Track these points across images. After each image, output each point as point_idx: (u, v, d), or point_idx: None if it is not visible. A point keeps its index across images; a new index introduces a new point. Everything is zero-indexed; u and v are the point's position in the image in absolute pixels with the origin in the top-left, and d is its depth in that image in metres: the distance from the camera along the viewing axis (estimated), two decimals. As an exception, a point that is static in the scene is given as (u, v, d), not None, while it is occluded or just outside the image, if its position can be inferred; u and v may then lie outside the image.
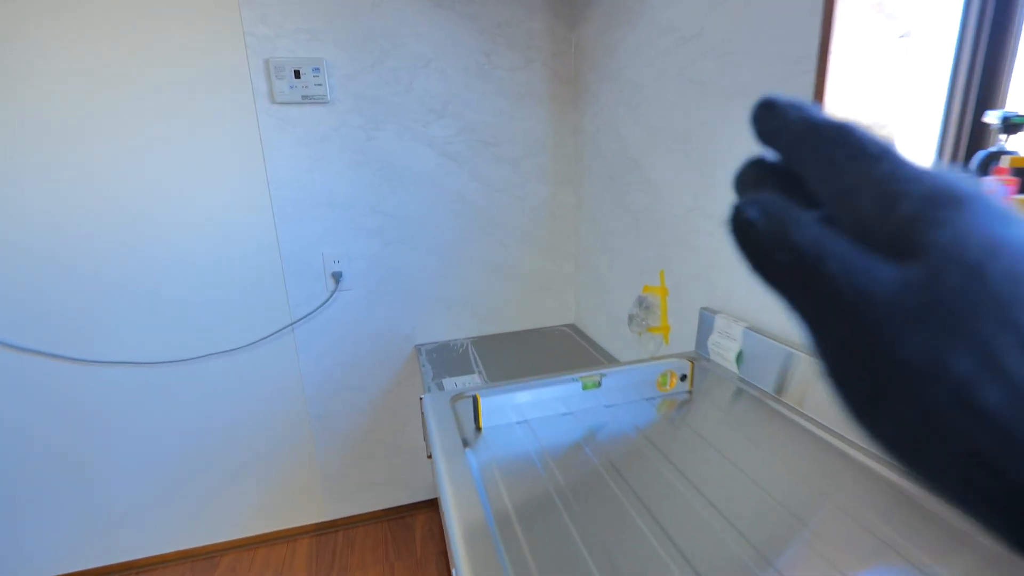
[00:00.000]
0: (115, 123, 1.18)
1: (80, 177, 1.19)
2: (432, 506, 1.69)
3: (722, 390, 0.87)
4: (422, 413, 0.93)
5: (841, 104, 0.74)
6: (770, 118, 0.16)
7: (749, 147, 0.86)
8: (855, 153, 0.14)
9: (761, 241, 0.14)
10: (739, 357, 0.89)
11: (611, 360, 1.38)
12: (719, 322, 0.93)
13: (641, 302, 1.18)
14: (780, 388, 0.82)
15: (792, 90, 0.76)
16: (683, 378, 0.85)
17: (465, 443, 0.75)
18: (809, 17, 0.72)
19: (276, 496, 1.54)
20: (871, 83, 0.75)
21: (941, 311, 0.11)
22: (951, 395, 0.11)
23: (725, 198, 0.94)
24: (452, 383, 1.28)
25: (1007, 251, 0.11)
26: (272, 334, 1.41)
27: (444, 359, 1.44)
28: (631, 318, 1.19)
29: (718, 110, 0.91)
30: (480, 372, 1.35)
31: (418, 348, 1.53)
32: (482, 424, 0.77)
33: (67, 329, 1.26)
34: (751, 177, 0.17)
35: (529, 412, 0.80)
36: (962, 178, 0.13)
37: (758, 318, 0.88)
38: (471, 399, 0.82)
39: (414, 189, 1.42)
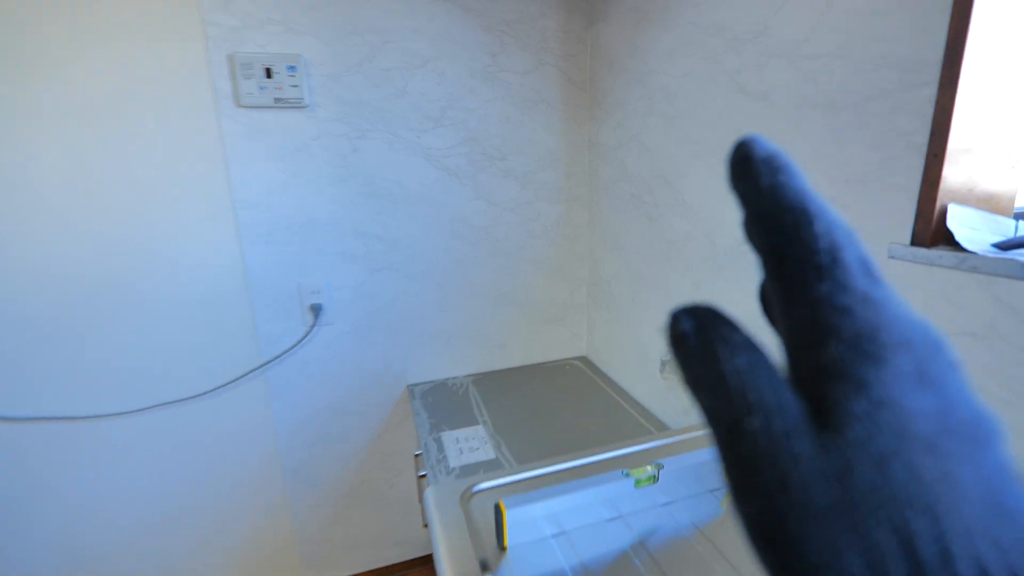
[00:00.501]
0: (49, 129, 0.97)
1: (3, 194, 0.98)
2: (427, 562, 1.49)
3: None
4: (421, 503, 0.75)
5: (970, 130, 0.57)
6: (742, 176, 0.15)
7: (825, 169, 0.69)
8: (803, 259, 0.14)
9: (690, 361, 0.14)
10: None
11: (634, 404, 1.21)
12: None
13: (676, 347, 1.01)
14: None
15: (902, 108, 0.59)
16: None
17: (484, 567, 0.57)
18: (933, 10, 0.56)
19: (246, 563, 1.32)
20: (1008, 100, 0.59)
21: (847, 510, 0.12)
22: None
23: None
24: (453, 439, 1.09)
25: (913, 438, 0.12)
26: (239, 378, 1.20)
27: (442, 403, 1.25)
28: (664, 364, 1.02)
29: (785, 127, 0.74)
30: (485, 422, 1.16)
31: (411, 389, 1.33)
32: (507, 543, 0.59)
33: (-17, 379, 1.04)
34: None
35: (568, 520, 0.62)
36: (895, 318, 0.13)
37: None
38: (491, 501, 0.64)
39: (407, 208, 1.23)
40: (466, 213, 1.28)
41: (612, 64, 1.17)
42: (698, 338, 0.14)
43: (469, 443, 1.07)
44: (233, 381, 1.20)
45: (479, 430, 1.12)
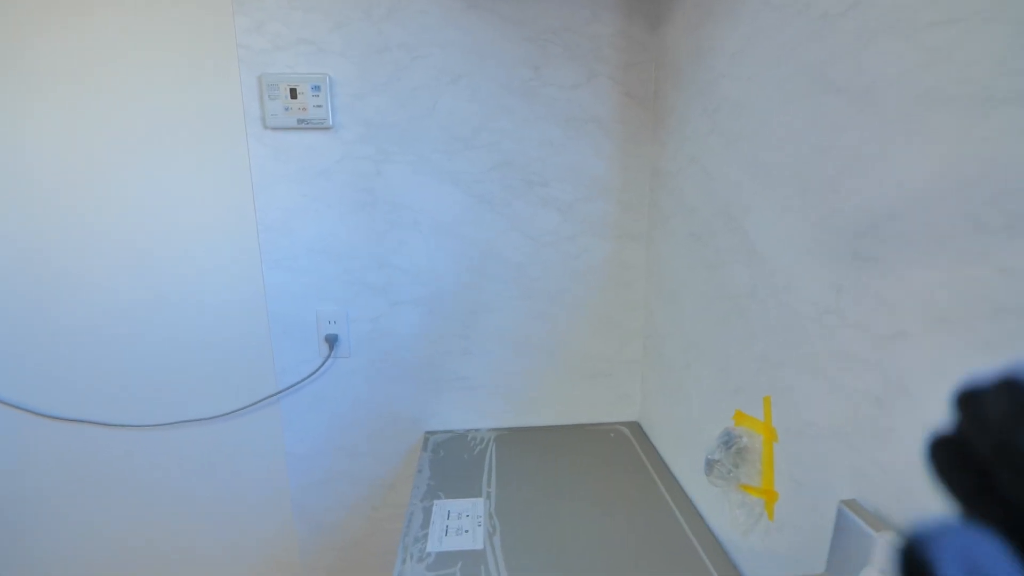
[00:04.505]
0: (85, 149, 1.03)
1: (38, 208, 1.05)
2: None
3: None
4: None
5: None
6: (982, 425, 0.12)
7: (967, 193, 0.42)
8: None
9: None
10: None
11: (684, 502, 0.93)
12: (888, 552, 0.47)
13: (728, 442, 0.74)
14: None
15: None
16: None
17: None
18: None
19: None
20: None
21: None
22: None
23: (900, 305, 0.49)
24: (444, 512, 0.92)
25: None
26: (254, 403, 1.16)
27: (451, 460, 1.09)
28: (711, 464, 0.75)
29: (896, 134, 0.48)
30: (489, 496, 0.97)
31: (427, 437, 1.19)
32: None
33: (16, 377, 1.11)
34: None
35: None
36: None
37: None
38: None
39: (433, 238, 1.11)
40: (498, 247, 1.13)
41: (677, 73, 0.95)
42: None
43: (460, 521, 0.89)
44: (249, 406, 1.16)
45: (478, 505, 0.94)
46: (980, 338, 0.42)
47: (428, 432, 1.21)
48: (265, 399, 1.16)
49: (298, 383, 1.16)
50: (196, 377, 1.15)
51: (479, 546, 0.83)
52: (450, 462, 1.09)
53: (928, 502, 0.46)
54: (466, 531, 0.87)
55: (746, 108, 0.71)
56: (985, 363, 0.41)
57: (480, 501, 0.95)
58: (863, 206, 0.52)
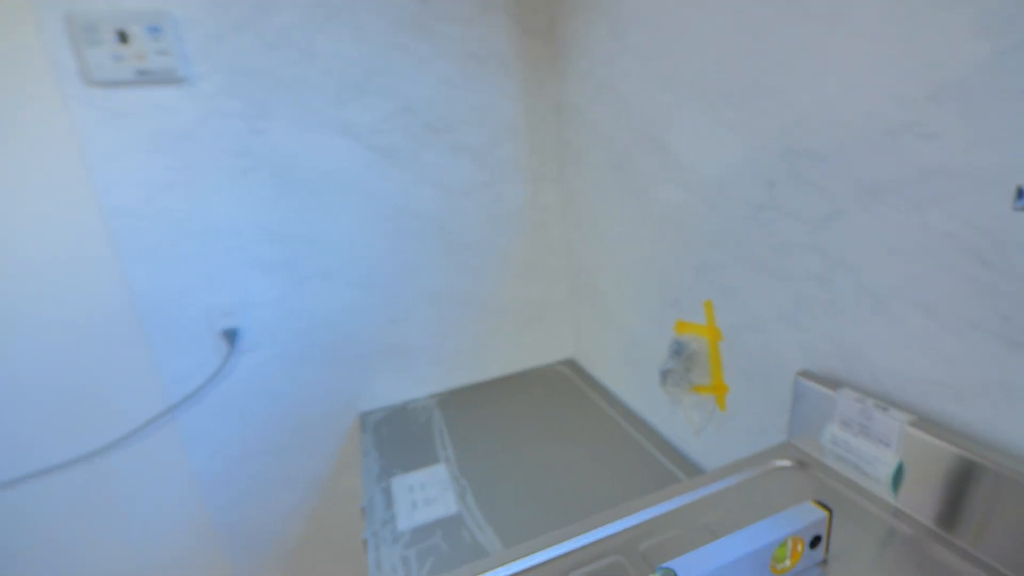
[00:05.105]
0: None
1: None
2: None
3: (867, 538, 0.47)
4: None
5: None
6: None
7: (888, 82, 0.46)
8: None
9: None
10: (897, 476, 0.49)
11: (634, 420, 0.98)
12: (847, 404, 0.54)
13: (679, 350, 0.78)
14: (948, 519, 0.43)
15: None
16: (815, 542, 0.45)
17: None
18: None
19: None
20: None
21: None
22: None
23: (833, 186, 0.54)
24: (406, 487, 0.86)
25: None
26: (140, 428, 0.97)
27: (398, 435, 1.02)
28: (666, 375, 0.79)
29: (823, 28, 0.51)
30: (448, 459, 0.93)
31: (363, 418, 1.10)
32: None
33: None
34: None
35: None
36: None
37: (925, 401, 0.49)
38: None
39: (332, 200, 0.99)
40: (410, 201, 1.04)
41: (574, 1, 0.93)
42: None
43: (426, 491, 0.85)
44: (131, 434, 0.97)
45: (439, 471, 0.89)
46: (909, 201, 0.47)
47: (363, 413, 1.12)
48: (154, 419, 0.98)
49: (195, 392, 0.99)
50: (51, 412, 0.92)
51: (453, 510, 0.80)
52: (397, 437, 1.02)
53: (877, 358, 0.53)
54: (435, 499, 0.82)
55: (659, 24, 0.71)
56: (915, 222, 0.47)
57: (440, 467, 0.91)
58: (793, 102, 0.55)
